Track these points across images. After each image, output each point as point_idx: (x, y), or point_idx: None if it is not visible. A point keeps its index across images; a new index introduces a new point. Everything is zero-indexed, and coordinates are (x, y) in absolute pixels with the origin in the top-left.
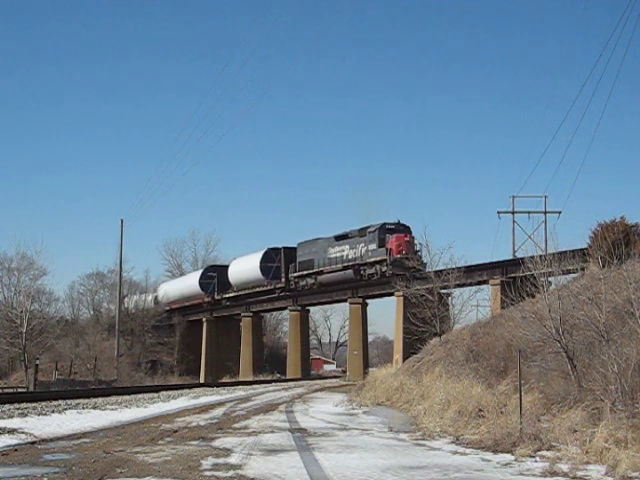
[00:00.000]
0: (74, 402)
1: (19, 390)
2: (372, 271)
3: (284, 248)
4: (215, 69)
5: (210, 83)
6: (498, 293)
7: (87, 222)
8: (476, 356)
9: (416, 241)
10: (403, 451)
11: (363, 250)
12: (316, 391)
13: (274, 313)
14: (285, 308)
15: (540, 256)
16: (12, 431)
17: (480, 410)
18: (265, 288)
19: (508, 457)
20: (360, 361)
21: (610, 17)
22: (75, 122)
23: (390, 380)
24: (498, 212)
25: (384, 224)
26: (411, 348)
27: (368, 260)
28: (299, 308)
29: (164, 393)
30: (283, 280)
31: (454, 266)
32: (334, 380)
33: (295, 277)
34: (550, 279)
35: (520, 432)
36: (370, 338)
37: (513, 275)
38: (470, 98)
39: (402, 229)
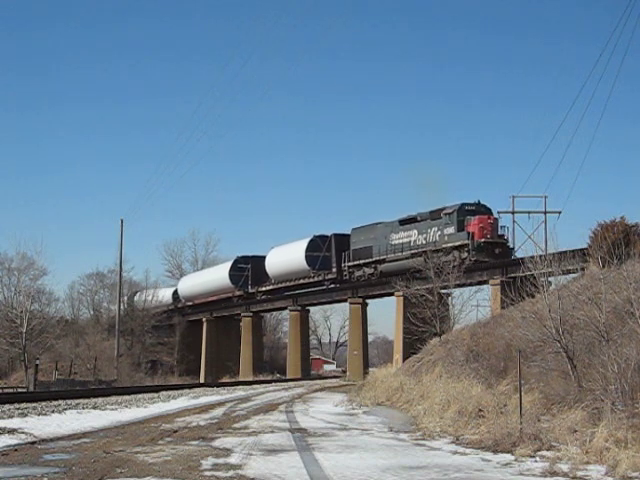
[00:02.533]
0: (74, 402)
1: (19, 390)
2: (448, 258)
3: (335, 235)
4: (215, 69)
5: (210, 83)
6: (498, 293)
7: (87, 222)
8: (476, 356)
9: (500, 223)
10: (403, 451)
11: (436, 235)
12: (316, 391)
13: (274, 313)
14: (285, 308)
15: (540, 256)
16: (12, 431)
17: (480, 410)
18: (311, 279)
19: (508, 457)
20: (360, 361)
21: (610, 17)
22: (75, 122)
23: (390, 380)
24: (498, 212)
25: (463, 205)
26: (411, 348)
27: (444, 246)
28: (299, 308)
29: (164, 393)
30: (334, 270)
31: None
32: (334, 380)
33: (349, 267)
34: (550, 279)
35: (520, 432)
36: (370, 338)
37: (513, 275)
38: (469, 98)
39: (483, 210)
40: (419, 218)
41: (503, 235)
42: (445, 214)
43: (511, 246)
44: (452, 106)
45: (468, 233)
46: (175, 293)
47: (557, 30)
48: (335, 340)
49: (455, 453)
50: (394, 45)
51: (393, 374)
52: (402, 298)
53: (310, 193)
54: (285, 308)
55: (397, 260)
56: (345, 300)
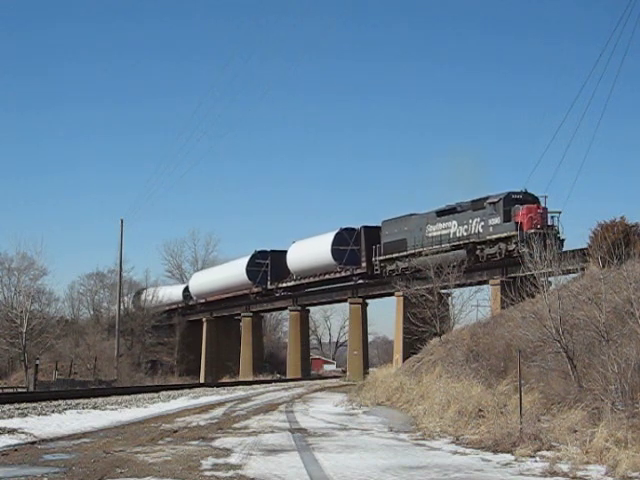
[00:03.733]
0: (74, 402)
1: (19, 390)
2: (493, 250)
3: (364, 227)
4: (215, 69)
5: (210, 83)
6: (498, 293)
7: (87, 222)
8: (476, 356)
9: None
10: (403, 451)
11: (479, 226)
12: (316, 391)
13: (274, 313)
14: (285, 308)
15: (540, 256)
16: (12, 431)
17: (480, 410)
18: (338, 275)
19: (508, 457)
20: (360, 361)
21: (610, 17)
22: (75, 122)
23: (390, 380)
24: None
25: (509, 193)
26: (411, 348)
27: (488, 237)
28: (299, 308)
29: (164, 393)
30: (364, 265)
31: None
32: (334, 380)
33: (381, 261)
34: (550, 279)
35: (520, 432)
36: (370, 338)
37: (513, 275)
38: (469, 98)
39: (531, 199)
40: (459, 208)
41: (553, 225)
42: (489, 203)
43: (562, 237)
44: (452, 106)
45: (516, 223)
46: (186, 290)
47: (557, 30)
48: (335, 340)
49: (455, 453)
50: (394, 45)
51: (393, 374)
52: (402, 298)
53: (310, 193)
54: (285, 308)
55: (435, 253)
56: (345, 300)
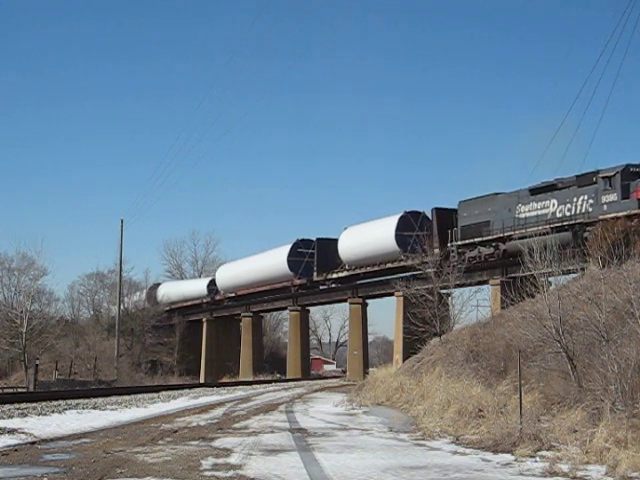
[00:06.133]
0: (74, 402)
1: (19, 390)
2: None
3: (437, 210)
4: (215, 69)
5: (210, 83)
6: (498, 293)
7: (87, 222)
8: (476, 356)
9: None
10: (403, 451)
11: (587, 204)
12: (316, 391)
13: (274, 313)
14: (285, 308)
15: (540, 256)
16: (12, 431)
17: (480, 410)
18: (403, 263)
19: (508, 457)
20: (360, 361)
21: (610, 17)
22: (75, 122)
23: (390, 380)
24: None
25: (627, 166)
26: (411, 348)
27: (602, 217)
28: (299, 308)
29: (164, 393)
30: (436, 251)
31: None
32: (334, 380)
33: (458, 247)
34: (550, 279)
35: (520, 432)
36: (370, 338)
37: (513, 275)
38: (469, 98)
39: None
40: (560, 185)
41: None
42: (602, 178)
43: None
44: (452, 106)
45: (638, 200)
46: (211, 284)
47: (557, 30)
48: (335, 340)
49: (455, 453)
50: (394, 45)
51: (393, 374)
52: (402, 298)
53: (310, 193)
54: (285, 308)
55: (529, 236)
56: (345, 300)
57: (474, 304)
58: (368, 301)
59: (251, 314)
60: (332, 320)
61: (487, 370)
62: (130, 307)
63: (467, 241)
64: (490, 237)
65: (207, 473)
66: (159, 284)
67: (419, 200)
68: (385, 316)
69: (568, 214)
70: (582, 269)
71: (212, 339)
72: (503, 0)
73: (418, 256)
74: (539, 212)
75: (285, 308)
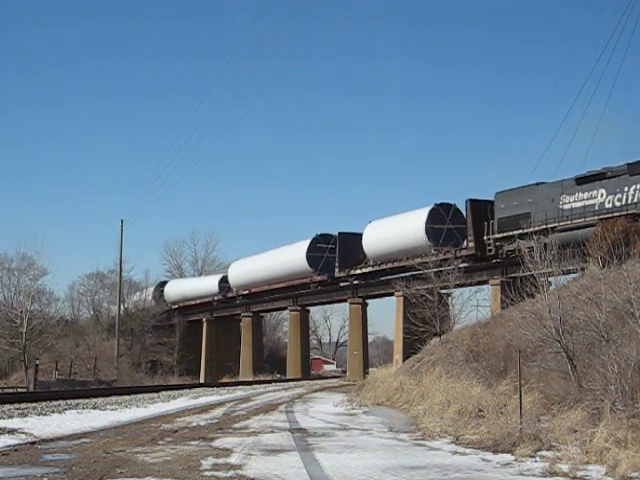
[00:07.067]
0: (74, 402)
1: (19, 390)
2: None
3: (471, 201)
4: (215, 69)
5: (210, 83)
6: (498, 293)
7: (87, 222)
8: (476, 356)
9: None
10: (403, 451)
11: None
12: (316, 391)
13: (274, 313)
14: (285, 308)
15: (540, 256)
16: (12, 431)
17: (480, 410)
18: (433, 258)
19: (508, 457)
20: (360, 361)
21: (610, 17)
22: (75, 122)
23: (390, 380)
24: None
25: None
26: (411, 348)
27: None
28: (299, 308)
29: (164, 393)
30: (470, 245)
31: None
32: (334, 380)
33: (495, 240)
34: (550, 279)
35: (520, 432)
36: (370, 338)
37: (513, 275)
38: (469, 98)
39: None
40: (609, 174)
41: None
42: None
43: None
44: (452, 106)
45: None
46: (223, 281)
47: (557, 30)
48: (335, 340)
49: (455, 453)
50: (395, 45)
51: (393, 374)
52: (402, 298)
53: (310, 193)
54: (285, 308)
55: (575, 229)
56: (345, 300)
57: (474, 304)
58: (368, 301)
59: (251, 314)
60: (332, 320)
61: (487, 370)
62: (130, 307)
63: (505, 234)
64: (532, 229)
65: (207, 473)
66: (166, 282)
67: (419, 200)
68: (385, 316)
69: (619, 204)
70: (582, 269)
71: (212, 339)
72: (503, 0)
73: (451, 250)
74: (586, 202)
75: (285, 308)
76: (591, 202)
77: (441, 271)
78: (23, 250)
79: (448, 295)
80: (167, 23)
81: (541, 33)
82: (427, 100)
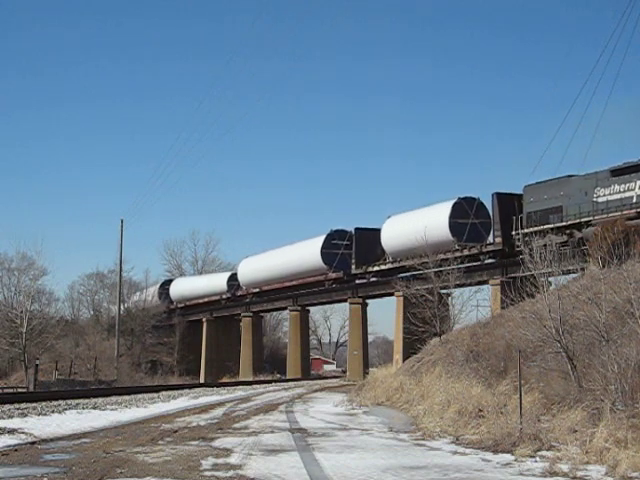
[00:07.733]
0: (74, 402)
1: (19, 390)
2: None
3: (498, 195)
4: (215, 70)
5: (210, 83)
6: (498, 293)
7: (87, 222)
8: (476, 356)
9: None
10: (403, 451)
11: None
12: (316, 391)
13: (274, 313)
14: (285, 308)
15: (540, 256)
16: (12, 431)
17: (480, 410)
18: (458, 254)
19: (508, 457)
20: (360, 361)
21: (610, 17)
22: (75, 122)
23: (390, 380)
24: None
25: None
26: (411, 348)
27: None
28: (299, 308)
29: (164, 393)
30: (497, 240)
31: None
32: (334, 380)
33: (524, 235)
34: (550, 279)
35: (520, 432)
36: (370, 338)
37: (513, 275)
38: (469, 99)
39: None
40: None
41: None
42: None
43: None
44: (452, 106)
45: None
46: (232, 279)
47: (556, 31)
48: (335, 340)
49: (455, 453)
50: (395, 45)
51: (393, 374)
52: (402, 298)
53: (310, 192)
54: (285, 308)
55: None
56: (345, 300)
57: (474, 304)
58: (368, 301)
59: (251, 314)
60: (332, 320)
61: (487, 370)
62: (130, 307)
63: (535, 228)
64: (564, 223)
65: (207, 473)
66: (171, 280)
67: (419, 200)
68: (385, 316)
69: None
70: (582, 269)
71: (212, 339)
72: (503, 0)
73: (476, 245)
74: (623, 195)
75: (285, 308)
76: (628, 194)
77: (441, 271)
78: (23, 250)
79: (448, 295)
80: (167, 23)
81: (541, 33)
82: (427, 100)
